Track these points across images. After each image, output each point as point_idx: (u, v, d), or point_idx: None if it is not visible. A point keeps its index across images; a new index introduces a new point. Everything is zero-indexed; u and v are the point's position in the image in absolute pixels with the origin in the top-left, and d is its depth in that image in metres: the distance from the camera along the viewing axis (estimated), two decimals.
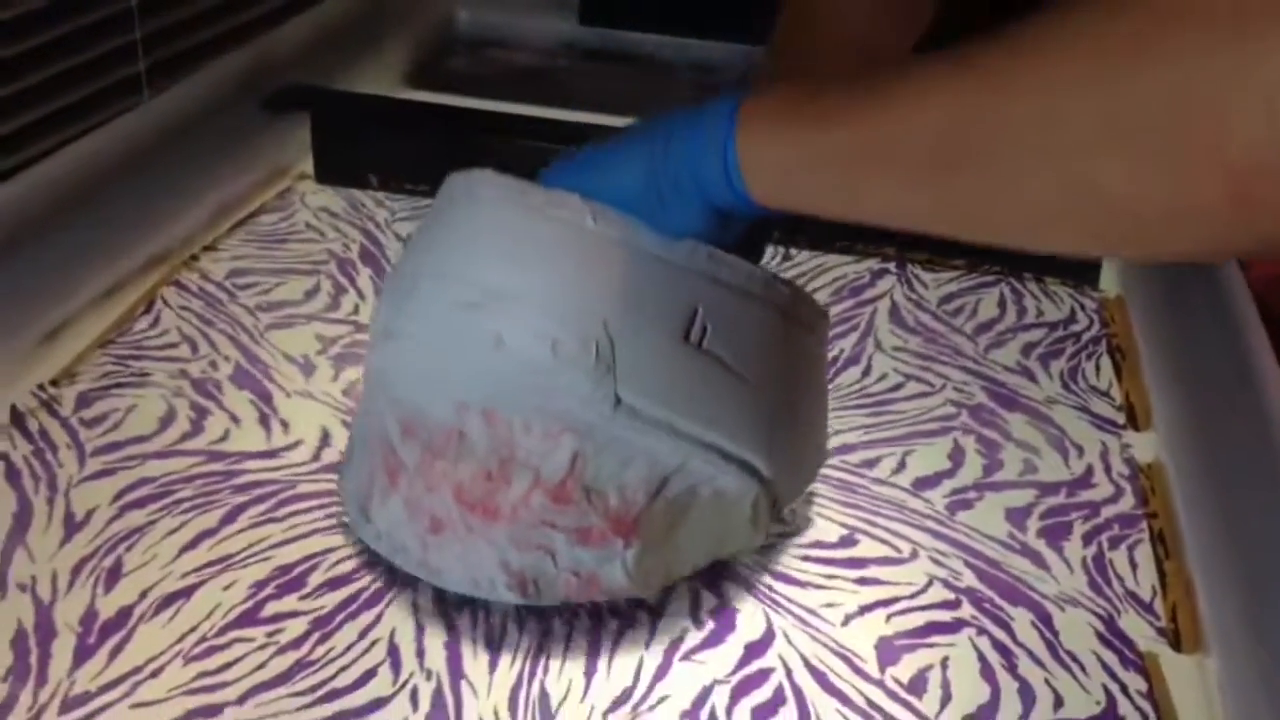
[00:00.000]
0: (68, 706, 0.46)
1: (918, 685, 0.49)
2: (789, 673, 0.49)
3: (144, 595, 0.51)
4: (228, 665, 0.48)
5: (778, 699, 0.48)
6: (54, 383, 0.65)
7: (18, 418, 0.62)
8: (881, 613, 0.53)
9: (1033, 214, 0.34)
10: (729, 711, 0.48)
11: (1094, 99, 0.30)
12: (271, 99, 0.90)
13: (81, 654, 0.48)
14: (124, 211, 0.76)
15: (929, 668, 0.50)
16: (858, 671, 0.50)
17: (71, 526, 0.55)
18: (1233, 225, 0.29)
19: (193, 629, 0.50)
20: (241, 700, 0.46)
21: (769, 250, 0.82)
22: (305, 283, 0.77)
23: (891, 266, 0.82)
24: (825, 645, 0.51)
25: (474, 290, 0.45)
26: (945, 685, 0.49)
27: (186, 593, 0.51)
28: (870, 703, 0.48)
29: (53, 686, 0.47)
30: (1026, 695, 0.49)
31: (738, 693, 0.48)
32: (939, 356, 0.72)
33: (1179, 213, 0.31)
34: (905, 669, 0.50)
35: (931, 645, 0.51)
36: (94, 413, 0.63)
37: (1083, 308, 0.78)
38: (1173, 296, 0.75)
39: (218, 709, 0.46)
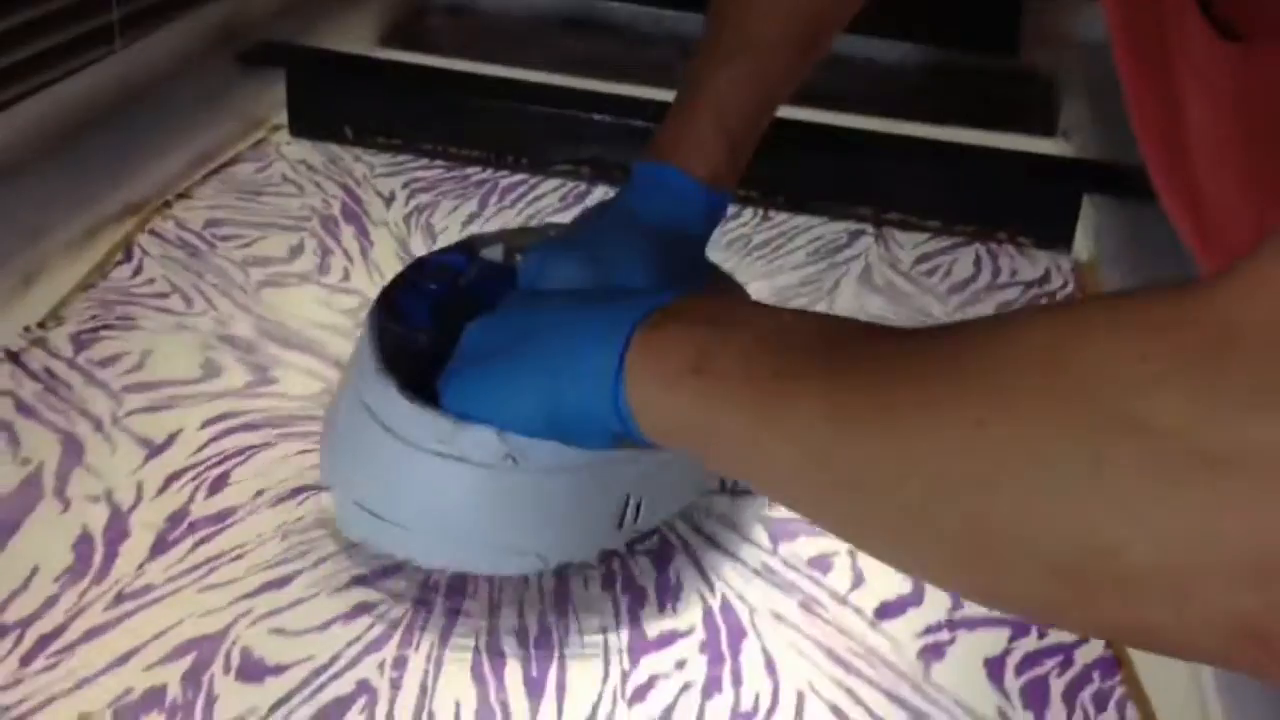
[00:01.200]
0: (124, 598, 0.47)
1: None
2: None
3: (257, 495, 0.53)
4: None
5: None
6: (41, 325, 0.64)
7: (13, 357, 0.61)
8: None
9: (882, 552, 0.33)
10: None
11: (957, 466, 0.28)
12: (247, 54, 0.89)
13: (158, 549, 0.49)
14: (97, 159, 0.75)
15: None
16: None
17: (152, 448, 0.55)
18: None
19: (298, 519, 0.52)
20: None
21: (749, 212, 0.83)
22: (289, 238, 0.76)
23: (868, 227, 0.83)
24: None
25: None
26: None
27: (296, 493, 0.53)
28: None
29: (112, 580, 0.48)
30: None
31: None
32: (908, 320, 0.73)
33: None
34: None
35: None
36: (101, 354, 0.62)
37: (1058, 268, 0.80)
38: (1142, 262, 0.76)
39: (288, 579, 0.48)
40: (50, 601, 0.47)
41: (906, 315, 0.73)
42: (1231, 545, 0.23)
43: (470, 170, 0.87)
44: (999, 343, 0.29)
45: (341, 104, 0.88)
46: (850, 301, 0.74)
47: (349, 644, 0.46)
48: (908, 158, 0.84)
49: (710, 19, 0.56)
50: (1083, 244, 0.82)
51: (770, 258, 0.79)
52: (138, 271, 0.71)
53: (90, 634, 0.45)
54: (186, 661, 0.45)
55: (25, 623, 0.46)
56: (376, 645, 0.46)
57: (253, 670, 0.45)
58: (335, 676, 0.45)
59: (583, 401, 0.40)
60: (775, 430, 0.33)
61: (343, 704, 0.44)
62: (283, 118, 0.89)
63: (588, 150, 0.85)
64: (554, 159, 0.86)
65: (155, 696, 0.43)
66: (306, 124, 0.89)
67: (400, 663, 0.46)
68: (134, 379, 0.61)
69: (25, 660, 0.44)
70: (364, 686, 0.45)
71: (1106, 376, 0.25)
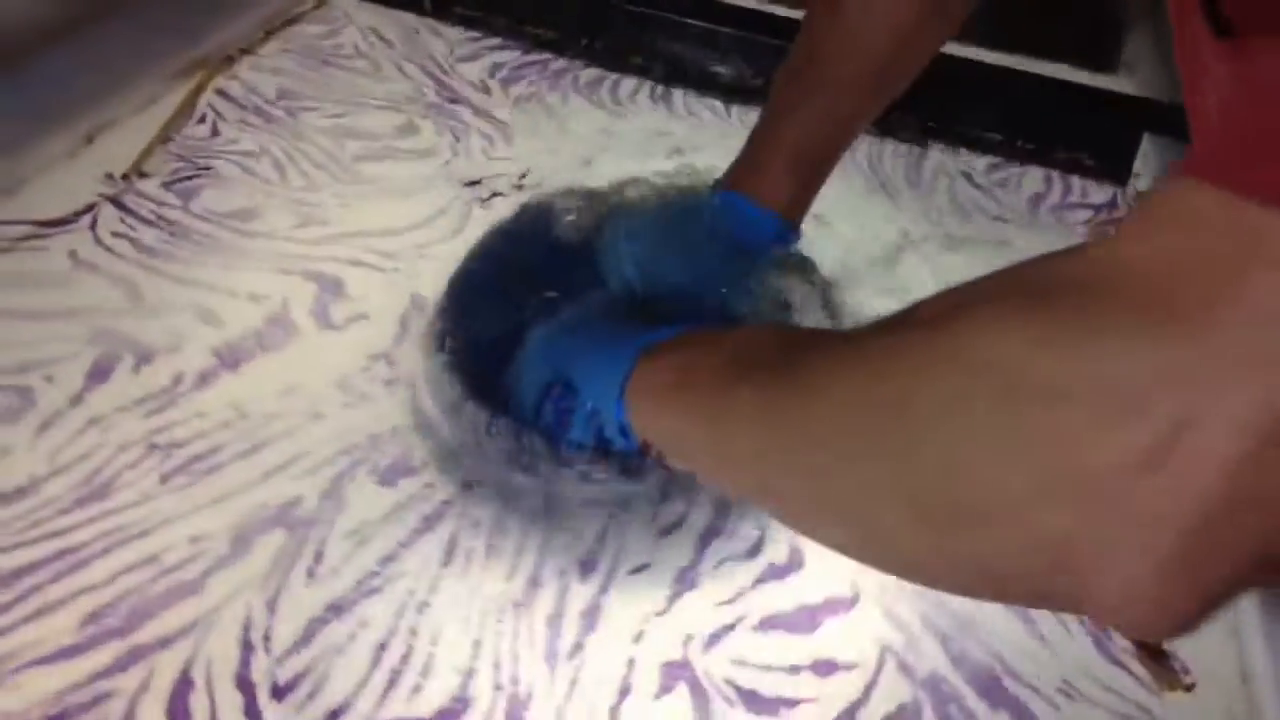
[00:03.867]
0: None
1: None
2: None
3: None
4: None
5: None
6: (125, 176, 0.64)
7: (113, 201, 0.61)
8: None
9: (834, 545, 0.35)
10: None
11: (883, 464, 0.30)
12: None
13: None
14: (155, 14, 0.73)
15: None
16: None
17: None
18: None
19: None
20: None
21: None
22: (394, 119, 0.75)
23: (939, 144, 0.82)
24: None
25: None
26: None
27: None
28: None
29: None
30: None
31: None
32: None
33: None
34: None
35: None
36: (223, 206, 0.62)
37: (1123, 195, 0.80)
38: None
39: None
40: None
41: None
42: (1052, 467, 0.25)
43: (547, 56, 0.84)
44: (906, 324, 0.31)
45: None
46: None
47: None
48: (971, 81, 0.83)
49: (785, 66, 0.58)
50: (1144, 178, 0.83)
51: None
52: (215, 133, 0.69)
53: None
54: None
55: None
56: None
57: None
58: None
59: (596, 411, 0.47)
60: (722, 429, 0.38)
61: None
62: None
63: (666, 49, 0.83)
64: (630, 54, 0.84)
65: None
66: None
67: None
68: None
69: None
70: None
71: (976, 329, 0.28)
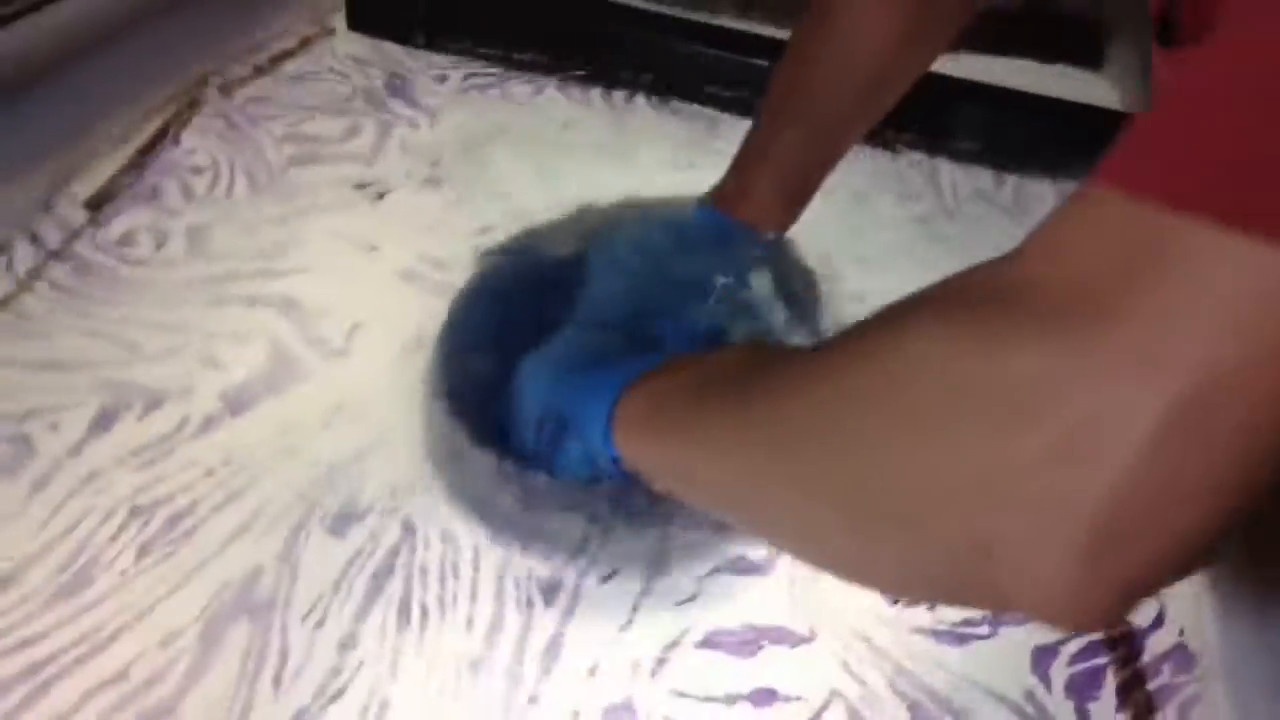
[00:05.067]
0: None
1: None
2: None
3: None
4: None
5: None
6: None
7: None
8: None
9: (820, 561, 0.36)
10: None
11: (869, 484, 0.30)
12: None
13: None
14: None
15: None
16: None
17: None
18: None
19: None
20: None
21: None
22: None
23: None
24: None
25: None
26: None
27: None
28: None
29: None
30: None
31: None
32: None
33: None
34: None
35: None
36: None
37: None
38: None
39: None
40: None
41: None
42: (971, 463, 0.26)
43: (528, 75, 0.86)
44: (857, 331, 0.32)
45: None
46: None
47: None
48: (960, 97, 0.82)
49: (774, 80, 0.57)
50: None
51: None
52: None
53: None
54: None
55: None
56: None
57: None
58: None
59: (587, 444, 0.47)
60: (695, 450, 0.39)
61: None
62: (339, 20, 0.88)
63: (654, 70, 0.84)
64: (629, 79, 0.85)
65: None
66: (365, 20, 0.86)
67: None
68: None
69: None
70: None
71: (906, 333, 0.29)
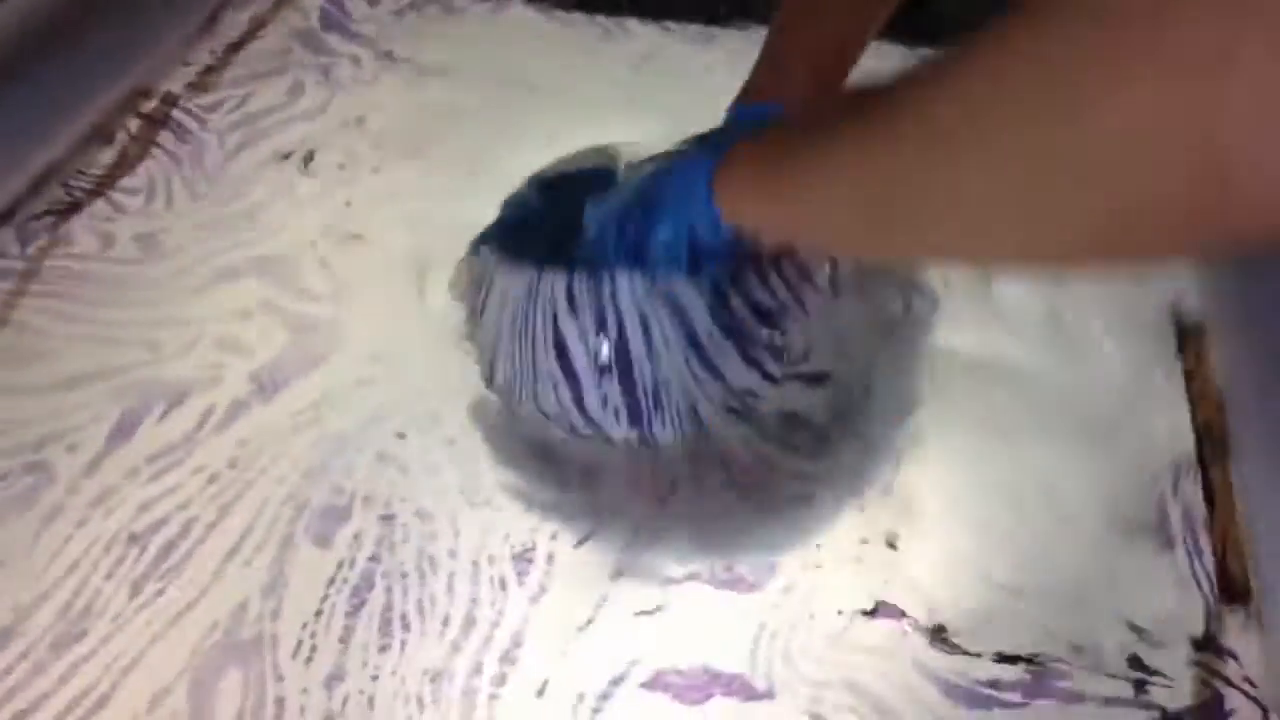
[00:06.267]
0: None
1: None
2: None
3: None
4: None
5: None
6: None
7: None
8: None
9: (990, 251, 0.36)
10: None
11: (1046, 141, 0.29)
12: None
13: None
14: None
15: None
16: None
17: None
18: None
19: None
20: None
21: None
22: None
23: None
24: None
25: None
26: None
27: None
28: None
29: None
30: None
31: None
32: None
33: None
34: None
35: None
36: None
37: None
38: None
39: None
40: None
41: None
42: (1188, 62, 0.24)
43: None
44: (1002, 37, 0.30)
45: None
46: None
47: None
48: None
49: (774, 28, 0.57)
50: None
51: None
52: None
53: None
54: None
55: None
56: None
57: None
58: None
59: (681, 221, 0.49)
60: (829, 187, 0.39)
61: None
62: None
63: None
64: None
65: None
66: None
67: None
68: None
69: None
70: None
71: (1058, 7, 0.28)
